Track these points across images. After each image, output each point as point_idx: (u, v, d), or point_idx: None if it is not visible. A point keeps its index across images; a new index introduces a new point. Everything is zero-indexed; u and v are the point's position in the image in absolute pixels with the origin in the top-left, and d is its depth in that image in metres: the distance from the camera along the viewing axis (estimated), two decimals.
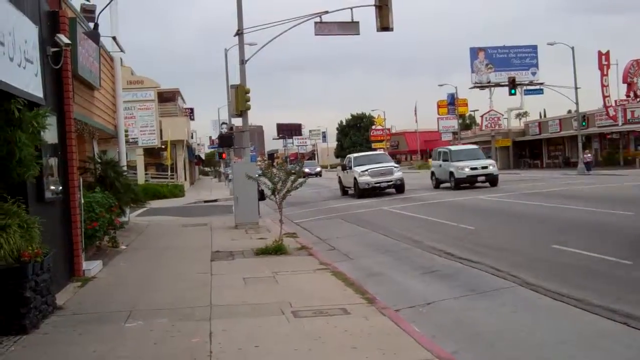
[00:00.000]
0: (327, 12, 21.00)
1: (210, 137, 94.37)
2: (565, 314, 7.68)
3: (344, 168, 32.96)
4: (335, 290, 9.28)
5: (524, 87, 63.72)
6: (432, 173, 33.88)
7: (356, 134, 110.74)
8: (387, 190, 29.89)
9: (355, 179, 29.99)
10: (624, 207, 17.18)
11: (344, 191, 32.79)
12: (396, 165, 32.03)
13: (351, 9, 20.88)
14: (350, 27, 21.30)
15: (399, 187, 29.82)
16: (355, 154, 35.34)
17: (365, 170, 29.71)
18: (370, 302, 8.35)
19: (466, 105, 73.64)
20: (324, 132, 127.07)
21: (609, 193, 23.40)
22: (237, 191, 19.50)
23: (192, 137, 69.61)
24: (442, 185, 32.14)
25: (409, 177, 51.23)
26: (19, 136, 7.70)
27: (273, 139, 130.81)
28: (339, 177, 34.10)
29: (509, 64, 65.46)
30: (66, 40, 10.43)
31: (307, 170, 66.74)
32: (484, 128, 68.35)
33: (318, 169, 78.41)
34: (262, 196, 19.86)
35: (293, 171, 14.44)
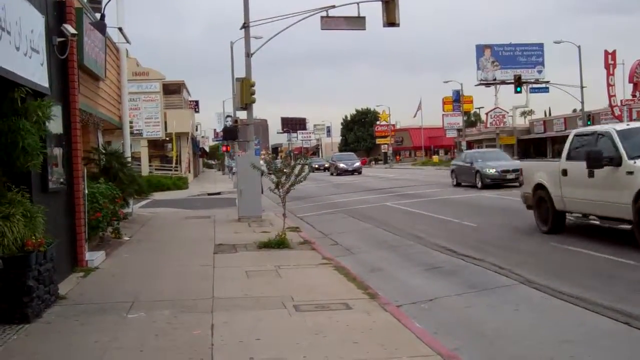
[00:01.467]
0: (333, 7, 20.94)
1: (214, 130, 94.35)
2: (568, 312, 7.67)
3: (595, 162, 11.50)
4: (338, 285, 9.28)
5: (530, 85, 63.47)
6: None
7: (360, 129, 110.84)
8: None
9: None
10: None
11: (555, 218, 13.31)
12: None
13: (358, 3, 20.83)
14: (357, 22, 21.24)
15: None
16: (620, 126, 12.71)
17: None
18: (372, 297, 8.35)
19: (471, 102, 73.54)
20: (328, 127, 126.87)
21: None
22: (240, 184, 19.50)
23: (196, 130, 69.66)
24: None
25: (422, 175, 50.79)
26: (23, 124, 7.71)
27: (277, 132, 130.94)
28: (546, 188, 13.53)
29: (515, 61, 65.26)
30: (72, 31, 10.43)
31: (342, 165, 61.92)
32: (488, 125, 68.26)
33: (357, 164, 57.71)
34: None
35: (304, 163, 14.25)
